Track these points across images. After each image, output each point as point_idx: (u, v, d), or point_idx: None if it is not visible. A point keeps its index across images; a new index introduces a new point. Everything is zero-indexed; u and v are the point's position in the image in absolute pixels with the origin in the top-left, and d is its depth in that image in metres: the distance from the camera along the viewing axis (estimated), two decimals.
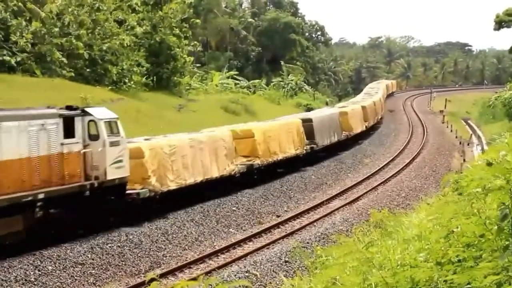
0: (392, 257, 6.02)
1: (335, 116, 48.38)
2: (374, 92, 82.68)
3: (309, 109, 76.74)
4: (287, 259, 21.62)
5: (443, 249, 5.40)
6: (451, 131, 66.05)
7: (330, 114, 48.40)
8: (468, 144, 54.44)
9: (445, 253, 5.32)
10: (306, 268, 17.14)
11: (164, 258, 22.48)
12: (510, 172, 4.82)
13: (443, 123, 75.49)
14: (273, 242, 24.53)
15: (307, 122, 41.38)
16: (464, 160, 43.42)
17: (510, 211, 4.68)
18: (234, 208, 29.26)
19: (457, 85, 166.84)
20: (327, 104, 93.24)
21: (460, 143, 55.82)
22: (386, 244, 7.84)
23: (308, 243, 23.59)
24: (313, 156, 42.18)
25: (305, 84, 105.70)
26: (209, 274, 20.00)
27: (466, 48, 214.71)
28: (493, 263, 4.52)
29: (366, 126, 58.99)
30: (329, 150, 45.70)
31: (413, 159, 46.23)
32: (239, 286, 12.15)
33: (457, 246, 5.25)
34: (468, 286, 4.57)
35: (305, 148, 40.17)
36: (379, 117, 70.90)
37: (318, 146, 42.34)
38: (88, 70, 55.84)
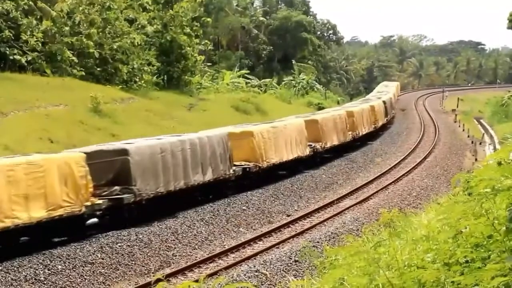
0: (400, 258, 5.93)
1: (216, 140, 30.75)
2: (377, 98, 74.99)
3: (320, 108, 76.43)
4: (297, 258, 21.55)
5: (451, 249, 5.34)
6: (463, 130, 65.76)
7: (200, 138, 29.95)
8: (480, 144, 54.18)
9: (453, 253, 5.26)
10: (315, 268, 17.07)
11: (174, 258, 22.47)
12: None
13: (455, 122, 75.16)
14: (283, 241, 24.47)
15: (114, 157, 24.92)
16: (476, 159, 43.23)
17: None
18: (244, 207, 29.20)
19: (469, 84, 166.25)
20: (338, 103, 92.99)
21: (472, 142, 55.55)
22: (394, 244, 7.75)
23: (318, 242, 23.51)
24: (138, 213, 25.48)
25: (316, 83, 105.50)
26: (218, 274, 19.97)
27: (479, 46, 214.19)
28: (500, 264, 4.44)
29: (315, 149, 40.78)
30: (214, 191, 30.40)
31: (425, 158, 46.01)
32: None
33: (465, 247, 5.19)
34: (476, 287, 4.50)
35: (87, 204, 22.97)
36: (360, 133, 52.41)
37: (138, 196, 25.14)
38: (98, 69, 55.89)
